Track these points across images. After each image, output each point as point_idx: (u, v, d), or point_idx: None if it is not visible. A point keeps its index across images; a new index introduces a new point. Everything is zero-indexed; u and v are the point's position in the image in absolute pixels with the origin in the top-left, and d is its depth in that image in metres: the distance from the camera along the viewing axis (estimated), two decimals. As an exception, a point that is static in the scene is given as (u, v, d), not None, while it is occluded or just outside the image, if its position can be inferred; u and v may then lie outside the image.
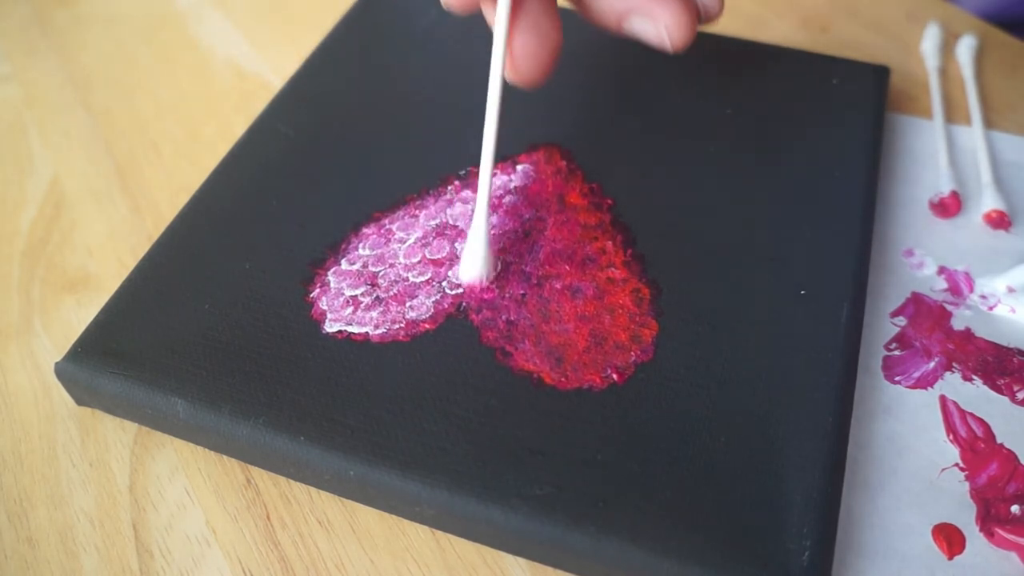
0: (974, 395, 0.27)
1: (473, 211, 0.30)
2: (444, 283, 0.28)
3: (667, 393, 0.25)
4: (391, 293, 0.28)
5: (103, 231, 0.34)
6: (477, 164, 0.29)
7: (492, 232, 0.29)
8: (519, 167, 0.32)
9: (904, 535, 0.24)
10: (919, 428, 0.27)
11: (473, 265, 0.28)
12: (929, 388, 0.28)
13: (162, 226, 0.31)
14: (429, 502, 0.23)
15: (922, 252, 0.32)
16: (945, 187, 0.33)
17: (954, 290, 0.30)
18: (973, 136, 0.36)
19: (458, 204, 0.31)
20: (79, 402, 0.28)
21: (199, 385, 0.25)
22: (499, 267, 0.28)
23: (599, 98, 0.35)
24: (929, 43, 0.40)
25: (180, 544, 0.25)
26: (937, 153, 0.35)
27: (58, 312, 0.31)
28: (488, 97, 0.26)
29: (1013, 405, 0.27)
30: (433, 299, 0.28)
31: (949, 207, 0.33)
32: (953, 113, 0.37)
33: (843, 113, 0.34)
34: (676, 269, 0.28)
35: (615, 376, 0.26)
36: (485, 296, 0.28)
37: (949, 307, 0.30)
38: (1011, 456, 0.26)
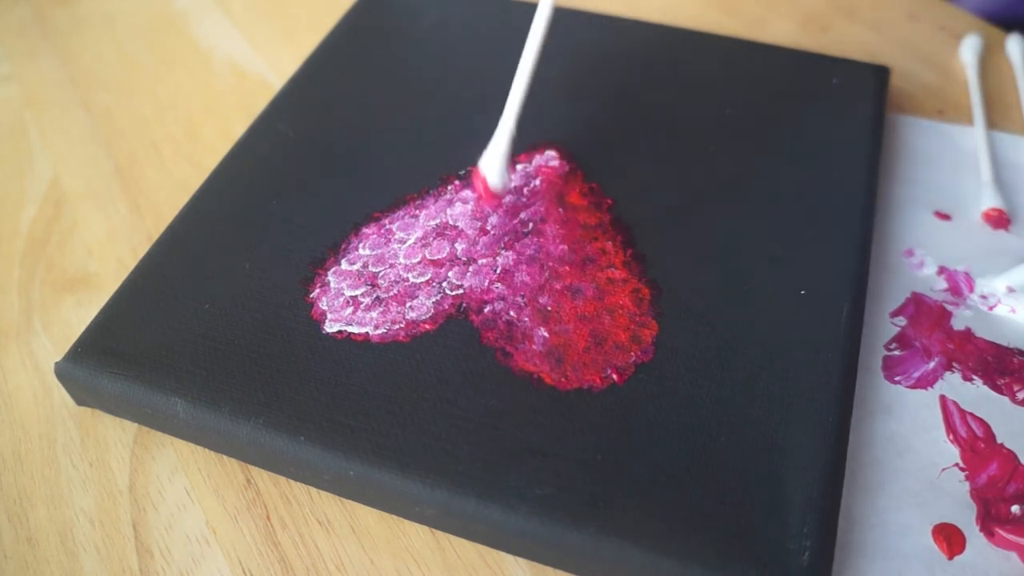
0: (974, 395, 0.27)
1: (472, 210, 0.30)
2: (444, 284, 0.28)
3: (667, 393, 0.25)
4: (391, 293, 0.28)
5: (103, 231, 0.34)
6: (477, 164, 0.29)
7: (492, 233, 0.29)
8: (519, 167, 0.32)
9: (904, 535, 0.24)
10: (919, 428, 0.27)
11: (493, 165, 0.29)
12: (929, 388, 0.28)
13: (162, 226, 0.31)
14: (429, 502, 0.23)
15: (922, 252, 0.32)
16: (986, 203, 0.33)
17: (954, 290, 0.30)
18: (975, 136, 0.36)
19: (458, 204, 0.31)
20: (79, 402, 0.28)
21: (199, 385, 0.25)
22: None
23: (599, 98, 0.35)
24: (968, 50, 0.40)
25: (180, 544, 0.25)
26: (979, 162, 0.34)
27: (58, 312, 0.31)
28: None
29: (1013, 405, 0.27)
30: (433, 299, 0.28)
31: (998, 220, 0.32)
32: (953, 113, 0.37)
33: (843, 113, 0.34)
34: (676, 269, 0.28)
35: (615, 376, 0.26)
36: (485, 296, 0.28)
37: (949, 307, 0.30)
38: (1011, 456, 0.26)
